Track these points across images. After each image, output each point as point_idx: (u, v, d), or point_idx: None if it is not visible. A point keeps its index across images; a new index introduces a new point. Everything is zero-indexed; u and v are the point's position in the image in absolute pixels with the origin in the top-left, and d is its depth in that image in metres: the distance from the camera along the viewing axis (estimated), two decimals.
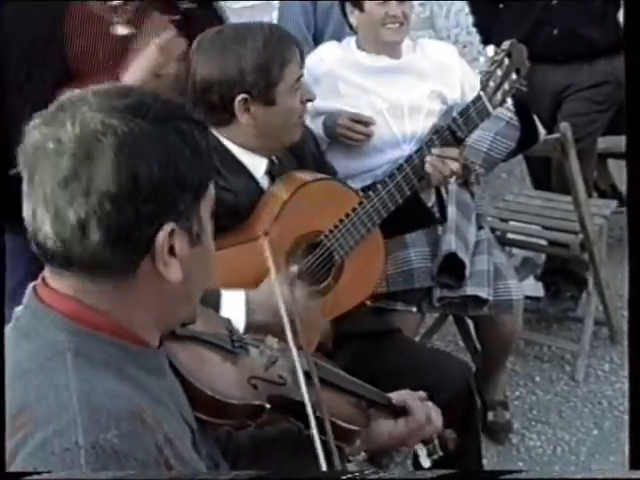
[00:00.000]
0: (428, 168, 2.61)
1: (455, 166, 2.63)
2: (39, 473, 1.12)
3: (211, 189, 1.32)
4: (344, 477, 1.30)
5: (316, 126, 3.15)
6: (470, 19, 4.70)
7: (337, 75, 3.26)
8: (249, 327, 2.20)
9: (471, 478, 1.43)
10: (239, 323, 2.20)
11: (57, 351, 1.23)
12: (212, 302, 2.16)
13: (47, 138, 1.21)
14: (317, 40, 3.82)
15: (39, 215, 1.22)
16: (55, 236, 1.22)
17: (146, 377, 1.30)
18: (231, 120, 2.42)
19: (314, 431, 1.54)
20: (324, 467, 1.55)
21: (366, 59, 3.28)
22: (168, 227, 1.23)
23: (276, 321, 2.15)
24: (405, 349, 2.81)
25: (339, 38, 3.48)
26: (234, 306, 2.22)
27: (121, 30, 2.56)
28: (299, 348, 1.76)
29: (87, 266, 1.23)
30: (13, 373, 1.24)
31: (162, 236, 1.23)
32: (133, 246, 1.22)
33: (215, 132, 2.43)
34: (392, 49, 3.26)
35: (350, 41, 3.35)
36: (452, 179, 2.70)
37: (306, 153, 2.67)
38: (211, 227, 1.36)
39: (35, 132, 1.23)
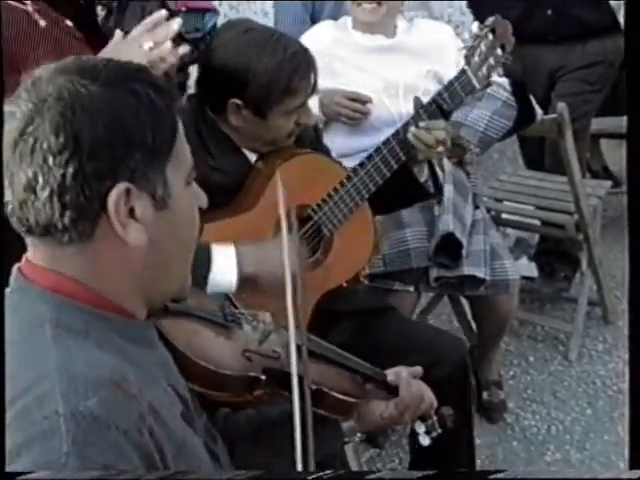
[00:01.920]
0: (411, 138, 2.60)
1: (440, 135, 2.61)
2: (38, 473, 1.11)
3: (182, 155, 1.32)
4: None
5: (312, 105, 3.14)
6: None
7: (333, 54, 3.25)
8: (240, 278, 2.21)
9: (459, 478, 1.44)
10: (231, 274, 2.21)
11: (38, 323, 1.24)
12: (202, 256, 2.17)
13: (8, 108, 1.25)
14: (314, 19, 3.80)
15: (6, 185, 1.25)
16: (14, 201, 1.24)
17: (130, 347, 1.30)
18: (223, 112, 2.43)
19: (296, 402, 1.53)
20: (299, 440, 1.53)
21: (361, 38, 3.27)
22: (122, 186, 1.23)
23: (266, 274, 2.18)
24: (401, 326, 2.81)
25: (336, 17, 3.47)
26: (225, 257, 2.23)
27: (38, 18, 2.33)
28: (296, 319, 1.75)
29: (44, 227, 1.24)
30: (5, 345, 1.25)
31: (114, 195, 1.23)
32: (83, 205, 1.22)
33: (209, 113, 2.45)
34: (386, 28, 3.24)
35: (346, 20, 3.34)
36: (440, 149, 2.66)
37: (304, 140, 2.66)
38: (190, 195, 1.35)
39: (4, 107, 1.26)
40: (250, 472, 1.35)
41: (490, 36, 2.64)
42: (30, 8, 2.14)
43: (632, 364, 1.46)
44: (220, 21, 5.53)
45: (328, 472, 1.33)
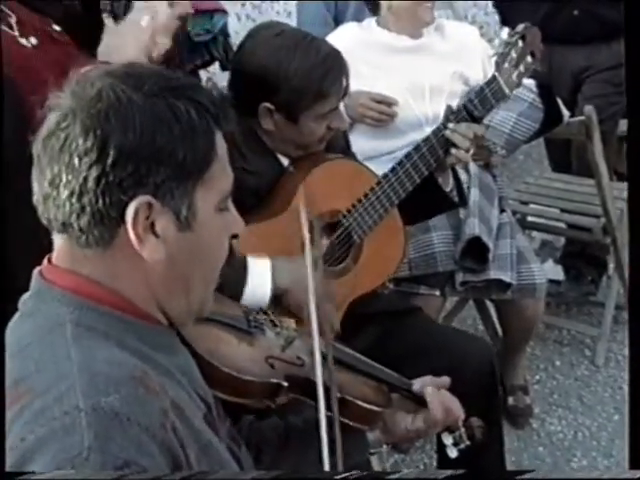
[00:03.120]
0: (448, 134, 2.53)
1: (479, 129, 2.57)
2: (38, 473, 1.10)
3: (218, 180, 1.31)
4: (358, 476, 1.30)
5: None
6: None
7: (357, 56, 3.21)
8: (274, 291, 2.20)
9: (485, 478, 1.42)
10: (265, 286, 2.20)
11: (58, 324, 1.24)
12: (238, 269, 2.16)
13: (53, 100, 1.26)
14: (338, 21, 3.79)
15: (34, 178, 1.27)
16: (39, 193, 1.26)
17: (150, 351, 1.29)
18: (255, 115, 2.40)
19: (321, 411, 1.51)
20: (325, 447, 1.52)
21: (387, 38, 3.25)
22: (143, 199, 1.22)
23: (295, 291, 2.15)
24: (427, 328, 2.78)
25: (360, 19, 3.45)
26: (260, 268, 2.21)
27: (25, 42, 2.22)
28: (320, 329, 1.73)
29: (62, 224, 1.24)
30: (14, 349, 1.25)
31: (133, 206, 1.22)
32: (101, 211, 1.22)
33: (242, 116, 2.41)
34: (415, 30, 3.23)
35: (371, 21, 3.32)
36: (472, 151, 2.63)
37: (335, 146, 2.63)
38: (221, 222, 1.34)
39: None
40: (273, 472, 1.33)
41: (520, 43, 2.61)
42: (16, 32, 2.08)
43: (632, 364, 1.45)
44: (245, 22, 5.56)
45: (354, 472, 1.31)
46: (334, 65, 2.38)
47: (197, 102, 1.27)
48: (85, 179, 1.20)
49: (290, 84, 2.32)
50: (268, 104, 2.36)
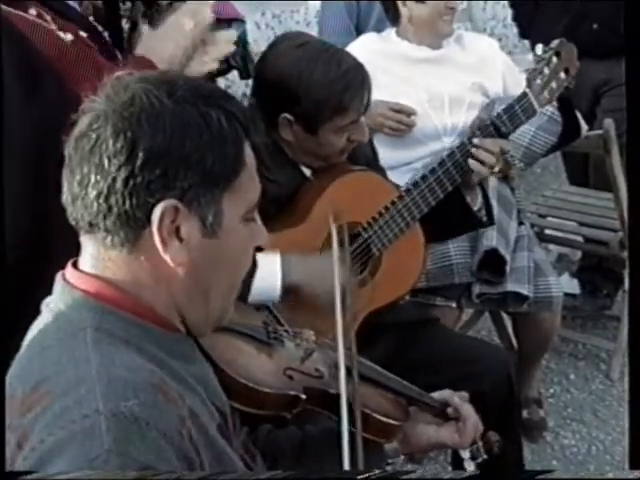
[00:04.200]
0: (472, 163, 2.53)
1: (505, 145, 2.56)
2: (37, 473, 1.11)
3: (245, 190, 1.32)
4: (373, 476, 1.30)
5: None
6: (507, 12, 4.66)
7: (377, 65, 3.21)
8: (284, 287, 2.19)
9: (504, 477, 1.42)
10: (275, 281, 2.19)
11: (79, 327, 1.25)
12: None
13: (88, 102, 1.28)
14: (360, 30, 3.79)
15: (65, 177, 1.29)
16: (68, 193, 1.27)
17: (168, 358, 1.29)
18: (276, 125, 2.40)
19: (344, 424, 1.51)
20: (346, 461, 1.52)
21: (407, 49, 3.26)
22: (170, 203, 1.23)
23: (311, 287, 2.16)
24: (445, 337, 2.78)
25: (381, 29, 3.46)
26: (269, 263, 2.20)
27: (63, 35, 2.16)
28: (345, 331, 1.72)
29: (89, 223, 1.26)
30: (34, 351, 1.26)
31: (159, 209, 1.23)
32: (127, 212, 1.23)
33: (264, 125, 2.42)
34: (435, 41, 3.24)
35: (390, 32, 3.33)
36: (496, 169, 2.62)
37: (360, 157, 2.61)
38: (246, 233, 1.34)
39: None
40: (288, 472, 1.34)
41: (554, 59, 2.57)
42: (53, 26, 2.09)
43: (632, 364, 1.45)
44: (264, 31, 5.57)
45: (377, 471, 1.33)
46: (355, 79, 2.36)
47: (228, 111, 1.28)
48: (114, 180, 1.21)
49: (310, 96, 2.32)
50: (288, 115, 2.35)
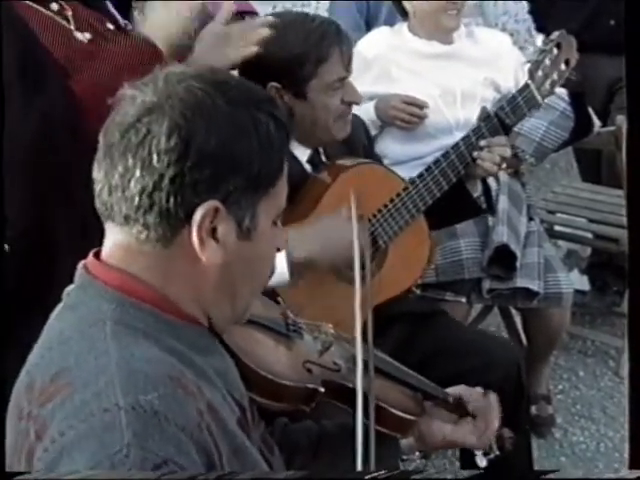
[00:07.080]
0: (479, 163, 2.54)
1: (505, 152, 2.57)
2: (36, 473, 1.12)
3: (279, 196, 1.33)
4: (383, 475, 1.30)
5: (366, 110, 3.11)
6: (518, 7, 4.64)
7: (389, 59, 3.23)
8: (292, 265, 2.18)
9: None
10: (282, 263, 2.17)
11: (99, 319, 1.24)
12: None
13: (130, 91, 1.26)
14: (370, 25, 3.79)
15: (102, 166, 1.26)
16: (105, 184, 1.25)
17: (188, 351, 1.29)
18: None
19: (359, 418, 1.51)
20: (359, 454, 1.51)
21: (418, 44, 3.25)
22: (213, 204, 1.23)
23: (323, 255, 2.16)
24: (454, 330, 2.78)
25: (392, 23, 3.46)
26: None
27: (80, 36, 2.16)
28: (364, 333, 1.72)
29: (125, 217, 1.24)
30: (54, 341, 1.26)
31: (203, 209, 1.23)
32: (169, 210, 1.22)
33: None
34: (445, 35, 3.23)
35: (402, 26, 3.32)
36: (503, 167, 2.64)
37: (356, 143, 2.63)
38: (274, 236, 1.35)
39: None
40: (303, 472, 1.35)
41: (555, 51, 2.59)
42: (72, 25, 2.08)
43: (632, 364, 1.45)
44: None
45: (382, 472, 1.32)
46: (329, 30, 2.39)
47: (275, 117, 1.29)
48: (161, 177, 1.20)
49: (290, 54, 2.34)
50: (275, 83, 2.36)
